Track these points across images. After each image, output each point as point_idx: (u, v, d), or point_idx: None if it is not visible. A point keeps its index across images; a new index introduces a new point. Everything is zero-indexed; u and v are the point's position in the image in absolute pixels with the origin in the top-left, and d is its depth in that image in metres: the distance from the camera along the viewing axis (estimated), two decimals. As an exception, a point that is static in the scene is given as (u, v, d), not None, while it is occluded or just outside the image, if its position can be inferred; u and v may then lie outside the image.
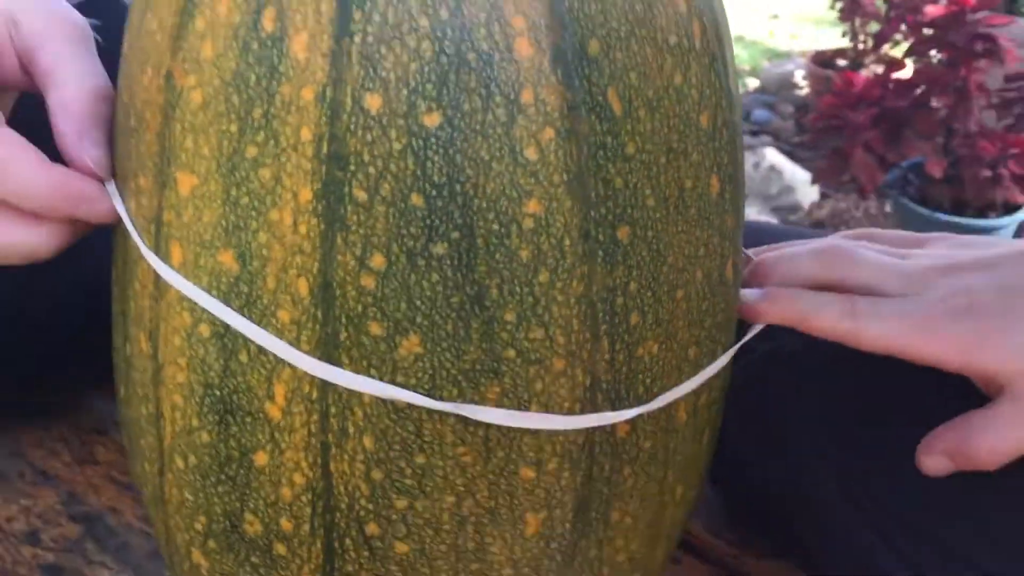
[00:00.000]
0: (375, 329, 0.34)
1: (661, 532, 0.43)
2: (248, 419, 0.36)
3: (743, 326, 0.45)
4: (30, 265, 0.41)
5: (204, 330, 0.36)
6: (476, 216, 0.33)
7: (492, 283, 0.33)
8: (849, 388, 0.49)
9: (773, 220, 2.63)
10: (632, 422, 0.38)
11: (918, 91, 1.51)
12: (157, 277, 0.37)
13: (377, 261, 0.33)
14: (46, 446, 0.68)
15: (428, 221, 0.32)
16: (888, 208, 2.37)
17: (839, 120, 1.84)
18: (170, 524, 0.41)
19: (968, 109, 1.53)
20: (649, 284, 0.36)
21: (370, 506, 0.36)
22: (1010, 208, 1.75)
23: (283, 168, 0.33)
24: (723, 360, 0.41)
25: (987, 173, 1.58)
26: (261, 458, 0.36)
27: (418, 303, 0.33)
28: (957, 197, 1.78)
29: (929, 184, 1.85)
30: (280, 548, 0.38)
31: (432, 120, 0.32)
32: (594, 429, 0.37)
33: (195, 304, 0.35)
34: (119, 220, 0.38)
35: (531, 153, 0.33)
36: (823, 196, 2.70)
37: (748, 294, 0.45)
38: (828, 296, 0.43)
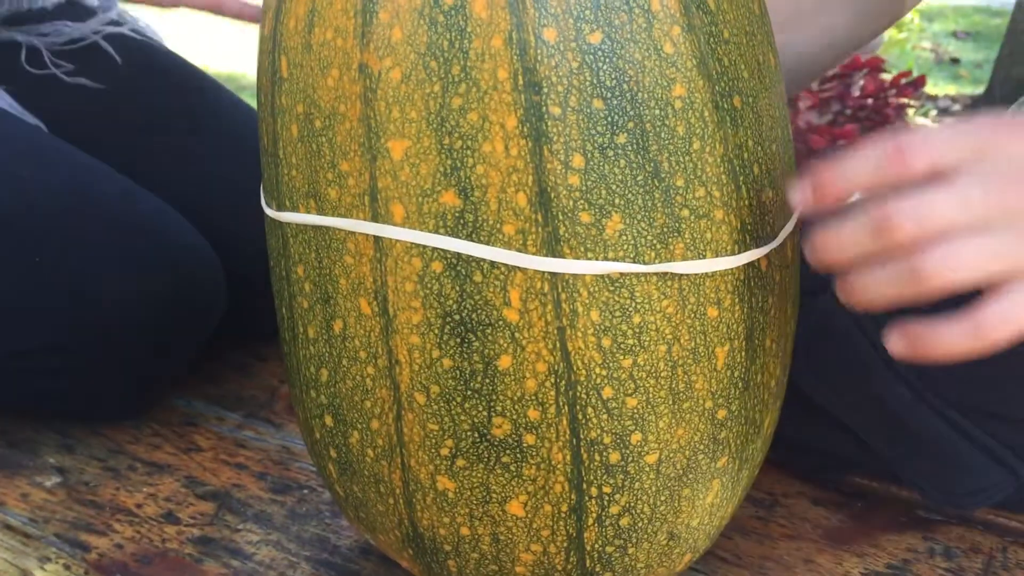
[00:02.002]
0: (585, 218, 0.42)
1: (787, 361, 0.53)
2: (488, 330, 0.43)
3: None
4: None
5: (436, 267, 0.43)
6: (642, 106, 0.42)
7: (663, 157, 0.42)
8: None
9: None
10: (768, 257, 0.47)
11: None
12: (376, 241, 0.43)
13: (577, 161, 0.41)
14: (144, 442, 0.73)
15: (609, 118, 0.41)
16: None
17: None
18: (411, 465, 0.47)
19: (796, 109, 1.70)
20: (759, 140, 0.46)
21: (604, 372, 0.44)
22: None
23: (487, 107, 0.41)
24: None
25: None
26: (504, 361, 0.43)
27: (614, 187, 0.42)
28: None
29: None
30: (529, 438, 0.45)
31: (596, 38, 0.41)
32: (748, 265, 0.46)
33: (423, 248, 0.42)
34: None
35: (668, 48, 0.42)
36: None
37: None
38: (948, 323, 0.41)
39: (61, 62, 0.76)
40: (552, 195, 0.41)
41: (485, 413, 0.44)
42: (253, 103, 0.64)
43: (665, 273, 0.43)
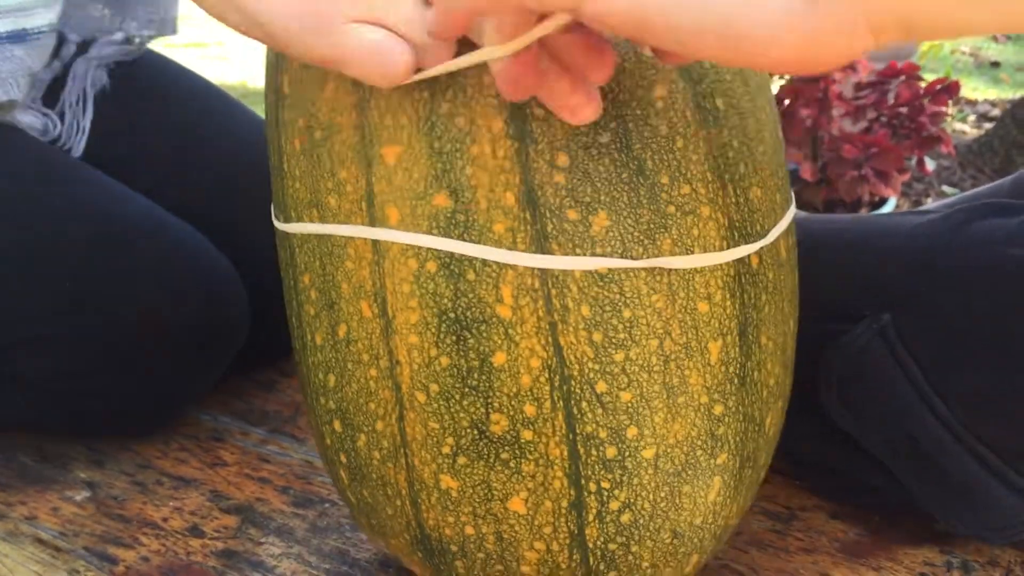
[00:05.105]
0: (572, 215, 0.43)
1: (788, 362, 0.53)
2: (483, 327, 0.44)
3: None
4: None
5: (431, 267, 0.44)
6: (624, 107, 0.43)
7: (647, 155, 0.44)
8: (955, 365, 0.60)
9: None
10: (759, 254, 0.48)
11: (786, 104, 1.67)
12: (375, 244, 0.45)
13: (562, 160, 0.43)
14: (171, 456, 0.76)
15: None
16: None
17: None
18: (414, 464, 0.48)
19: (830, 117, 1.68)
20: (744, 140, 0.47)
21: (596, 366, 0.45)
22: (876, 203, 1.94)
23: (474, 111, 0.42)
24: (794, 206, 0.53)
25: (854, 173, 1.76)
26: (500, 358, 0.45)
27: (599, 185, 0.43)
28: (829, 197, 1.94)
29: (804, 188, 2.03)
30: (527, 434, 0.46)
31: (577, 43, 0.42)
32: (739, 261, 0.47)
33: (419, 249, 0.44)
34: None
35: (647, 51, 0.43)
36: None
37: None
38: None
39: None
40: (539, 193, 0.43)
41: (483, 410, 0.46)
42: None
43: (654, 268, 0.44)
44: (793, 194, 0.54)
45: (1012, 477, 0.60)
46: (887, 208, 1.50)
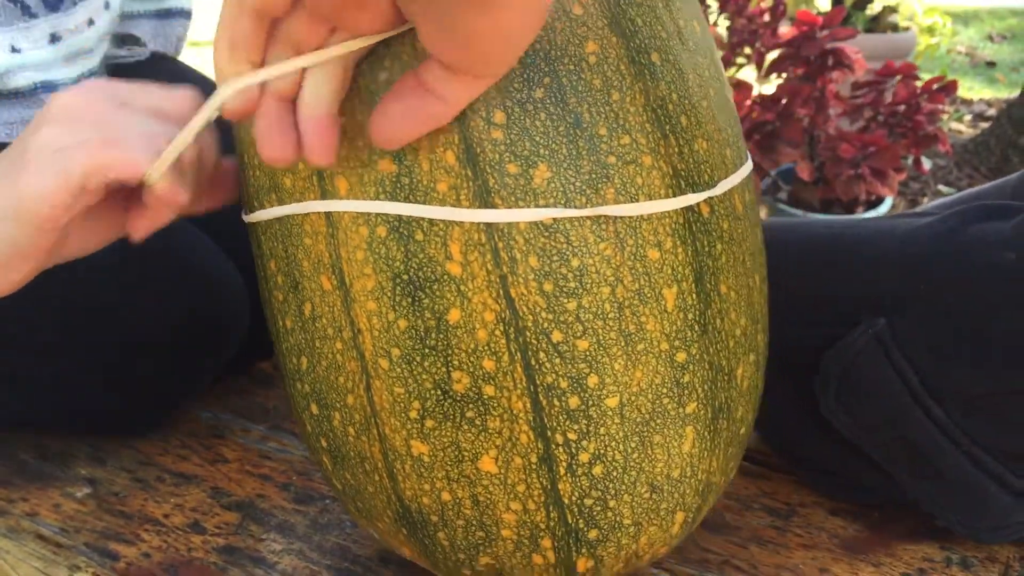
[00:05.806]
0: (513, 169, 0.45)
1: (756, 316, 0.54)
2: (435, 286, 0.46)
3: None
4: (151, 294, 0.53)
5: (381, 231, 0.46)
6: (556, 63, 0.45)
7: (583, 109, 0.45)
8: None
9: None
10: (710, 204, 0.49)
11: (783, 103, 1.70)
12: (328, 217, 0.47)
13: (499, 117, 0.44)
14: (172, 453, 0.77)
15: (525, 75, 0.44)
16: (763, 213, 2.58)
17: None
18: (386, 433, 0.49)
19: (827, 116, 1.69)
20: (684, 94, 0.48)
21: (550, 316, 0.46)
22: (873, 203, 1.95)
23: None
24: (749, 164, 0.53)
25: (850, 172, 1.78)
26: (455, 315, 0.46)
27: (537, 138, 0.45)
28: (826, 197, 1.95)
29: (801, 187, 2.05)
30: (489, 389, 0.47)
31: None
32: (688, 210, 0.48)
33: (368, 215, 0.46)
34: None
35: (577, 10, 0.45)
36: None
37: None
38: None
39: None
40: (478, 150, 0.44)
41: (444, 369, 0.47)
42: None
43: (599, 217, 0.45)
44: (749, 153, 0.55)
45: (1008, 478, 0.60)
46: (884, 207, 1.50)
